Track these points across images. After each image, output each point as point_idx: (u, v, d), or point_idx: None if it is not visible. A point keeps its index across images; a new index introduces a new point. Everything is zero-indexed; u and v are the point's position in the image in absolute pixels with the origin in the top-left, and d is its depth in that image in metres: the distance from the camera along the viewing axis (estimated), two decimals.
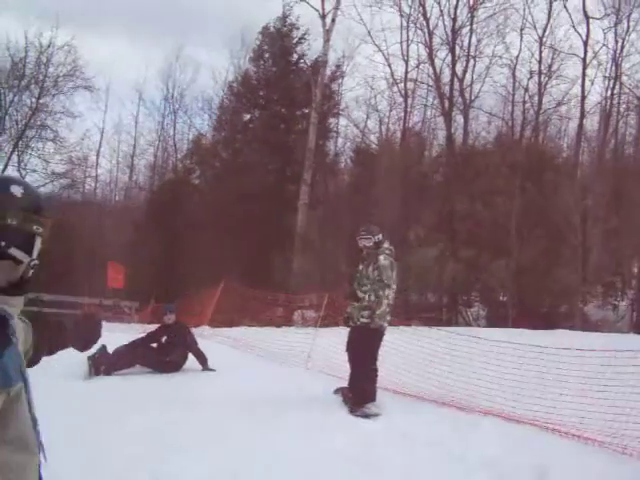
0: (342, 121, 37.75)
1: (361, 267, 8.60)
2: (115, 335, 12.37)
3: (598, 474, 6.08)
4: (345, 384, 8.81)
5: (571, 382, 8.07)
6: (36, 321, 2.48)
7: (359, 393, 8.32)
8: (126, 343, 11.06)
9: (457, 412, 8.24)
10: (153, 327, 12.58)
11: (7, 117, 33.05)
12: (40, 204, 2.19)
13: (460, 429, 7.41)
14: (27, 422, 2.08)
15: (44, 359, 2.52)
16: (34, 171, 34.19)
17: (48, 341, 2.62)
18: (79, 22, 61.79)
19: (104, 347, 10.47)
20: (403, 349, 10.44)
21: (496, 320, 22.87)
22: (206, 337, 14.31)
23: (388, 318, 8.44)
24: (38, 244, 2.18)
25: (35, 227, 2.15)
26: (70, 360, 10.39)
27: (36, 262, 2.18)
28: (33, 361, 2.43)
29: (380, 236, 8.61)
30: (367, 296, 8.33)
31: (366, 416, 7.99)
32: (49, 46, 33.51)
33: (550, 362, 8.53)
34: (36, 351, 2.45)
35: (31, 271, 2.18)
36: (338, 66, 35.02)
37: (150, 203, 38.63)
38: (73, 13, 52.69)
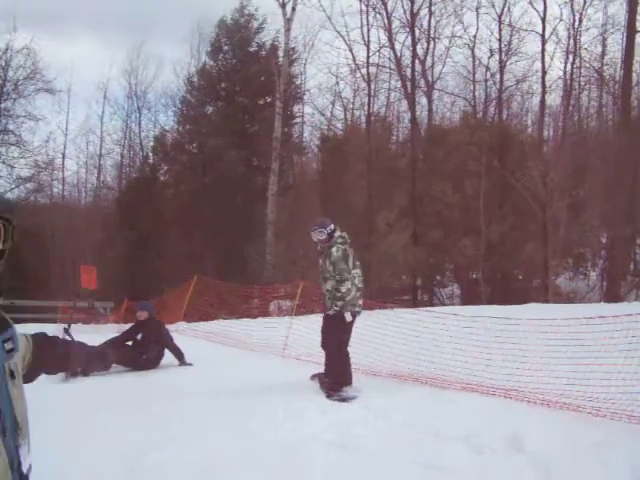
0: (307, 109, 37.80)
1: (320, 261, 8.71)
2: (91, 336, 12.36)
3: (573, 437, 6.23)
4: (321, 370, 8.89)
5: (542, 352, 8.23)
6: (41, 340, 2.51)
7: (335, 377, 8.41)
8: (101, 343, 11.06)
9: (433, 390, 8.37)
10: (128, 326, 12.57)
11: None
12: None
13: (436, 406, 7.52)
14: None
15: None
16: None
17: (51, 362, 2.65)
18: (38, 24, 61.16)
19: None
20: (377, 332, 10.55)
21: (470, 298, 23.13)
22: (182, 332, 14.36)
23: (359, 302, 8.52)
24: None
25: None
26: None
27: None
28: (28, 378, 2.44)
29: (332, 227, 8.62)
30: (333, 289, 8.42)
31: (343, 400, 8.07)
32: (7, 49, 33.19)
33: (520, 333, 8.71)
34: (33, 368, 2.48)
35: None
36: (293, 47, 34.89)
37: (119, 202, 38.41)
38: (31, 15, 52.06)
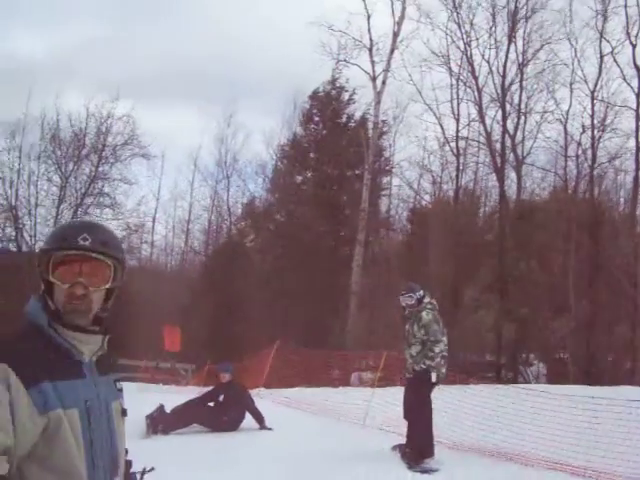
0: (395, 181, 37.91)
1: (407, 326, 8.67)
2: (172, 396, 12.45)
3: None
4: (403, 441, 8.69)
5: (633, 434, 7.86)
6: None
7: (417, 448, 8.21)
8: (183, 402, 11.10)
9: (518, 467, 8.06)
10: (208, 389, 12.58)
11: (67, 185, 33.92)
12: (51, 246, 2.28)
13: None
14: (73, 452, 2.11)
15: None
16: None
17: None
18: (138, 92, 63.79)
19: (162, 406, 10.54)
20: (461, 406, 10.29)
21: (556, 378, 22.38)
22: (262, 397, 14.28)
23: (443, 370, 8.35)
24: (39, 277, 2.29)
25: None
26: (127, 419, 10.48)
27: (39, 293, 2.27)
28: None
29: (421, 292, 8.65)
30: (418, 354, 8.30)
31: (425, 471, 7.88)
32: (109, 117, 34.61)
33: (612, 414, 8.34)
34: None
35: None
36: (384, 120, 35.21)
37: (205, 267, 39.02)
38: (132, 84, 54.37)
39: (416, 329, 8.38)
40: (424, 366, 8.20)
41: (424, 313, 8.39)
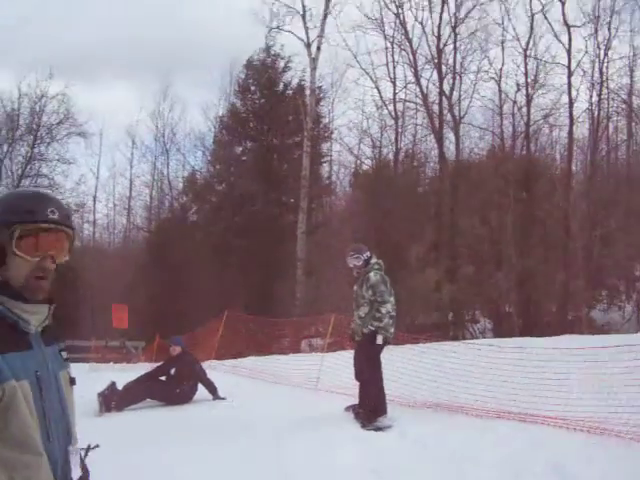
0: (335, 147, 37.97)
1: (355, 287, 8.75)
2: (123, 374, 12.41)
3: (614, 463, 6.11)
4: (355, 401, 8.83)
5: (578, 379, 8.11)
6: None
7: (370, 407, 8.33)
8: (135, 378, 11.08)
9: (468, 418, 8.26)
10: (160, 364, 12.56)
11: (2, 167, 33.28)
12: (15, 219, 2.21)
13: (473, 434, 7.42)
14: (28, 423, 2.12)
15: None
16: None
17: None
18: (71, 70, 62.55)
19: (113, 383, 10.50)
20: (410, 365, 10.46)
21: (503, 332, 22.84)
22: (214, 368, 14.30)
23: (391, 330, 8.46)
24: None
25: None
26: (80, 397, 10.44)
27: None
28: None
29: (368, 253, 8.72)
30: (366, 315, 8.40)
31: (378, 429, 8.01)
32: (42, 96, 33.94)
33: (556, 362, 8.59)
34: None
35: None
36: (320, 87, 35.14)
37: (149, 243, 38.71)
38: (65, 62, 53.41)
39: (364, 290, 8.46)
40: (372, 328, 8.30)
41: (372, 274, 8.47)
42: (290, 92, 35.29)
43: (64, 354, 2.39)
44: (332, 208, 37.97)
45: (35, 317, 2.22)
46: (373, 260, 8.67)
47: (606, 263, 24.58)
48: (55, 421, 2.23)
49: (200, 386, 11.11)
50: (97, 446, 2.68)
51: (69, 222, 2.29)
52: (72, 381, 2.38)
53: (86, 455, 2.51)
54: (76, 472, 2.35)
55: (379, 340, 8.29)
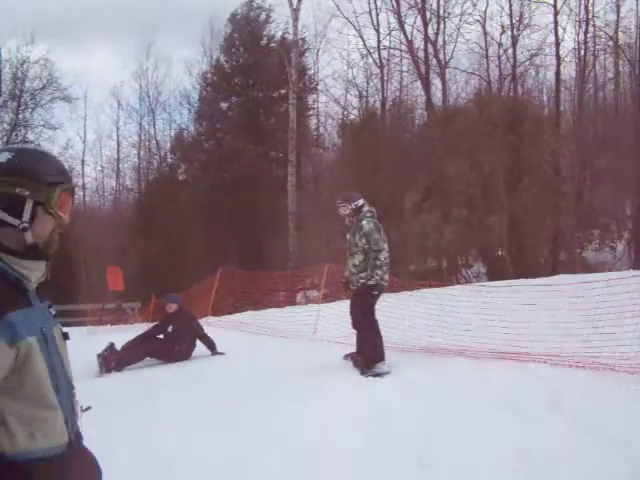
0: (322, 99, 37.69)
1: (348, 236, 8.72)
2: (121, 335, 12.45)
3: (610, 394, 6.19)
4: (353, 349, 8.89)
5: (571, 316, 8.18)
6: None
7: (368, 354, 8.39)
8: (133, 338, 11.13)
9: (466, 360, 8.34)
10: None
11: None
12: (33, 169, 2.23)
13: (471, 375, 7.50)
14: (43, 379, 2.15)
15: None
16: None
17: None
18: (53, 34, 61.65)
19: (112, 344, 10.54)
20: (407, 311, 10.53)
21: (496, 275, 22.92)
22: (211, 324, 14.37)
23: (386, 277, 8.47)
24: (29, 208, 2.22)
25: (18, 190, 2.19)
26: (78, 360, 10.50)
27: (26, 225, 2.22)
28: None
29: (360, 202, 8.65)
30: (360, 263, 8.41)
31: (377, 375, 8.07)
32: (24, 61, 33.53)
33: (549, 300, 8.65)
34: None
35: (28, 236, 2.22)
36: (303, 39, 34.84)
37: (139, 204, 38.57)
38: (46, 26, 52.59)
39: (357, 238, 8.44)
40: (372, 282, 8.28)
41: (364, 222, 8.43)
42: (274, 45, 34.93)
43: (52, 310, 2.41)
44: (321, 161, 37.82)
45: (33, 274, 2.25)
46: (365, 208, 8.63)
47: (597, 203, 24.64)
48: (62, 374, 2.28)
49: (198, 342, 11.16)
50: (89, 408, 2.71)
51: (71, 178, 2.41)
52: (65, 336, 2.42)
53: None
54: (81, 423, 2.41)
55: (375, 291, 8.33)
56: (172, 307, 11.30)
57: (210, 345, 11.13)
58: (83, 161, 43.18)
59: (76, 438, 2.37)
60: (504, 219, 23.26)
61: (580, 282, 8.85)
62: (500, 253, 25.27)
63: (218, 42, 37.66)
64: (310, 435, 5.98)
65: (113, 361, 10.34)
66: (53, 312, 2.40)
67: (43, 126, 34.60)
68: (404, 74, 33.96)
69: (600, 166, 25.05)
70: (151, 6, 55.62)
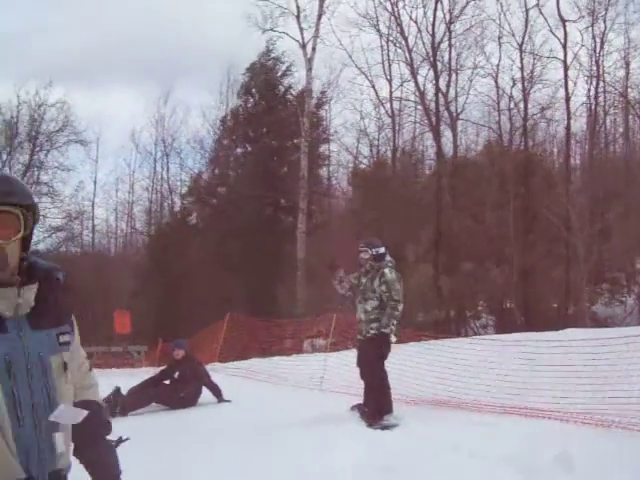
0: (333, 147, 37.95)
1: (364, 280, 8.60)
2: (127, 379, 12.39)
3: (625, 456, 6.11)
4: (360, 401, 8.82)
5: (581, 372, 8.11)
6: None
7: (375, 406, 8.32)
8: (139, 383, 11.08)
9: (474, 414, 8.25)
10: (163, 367, 12.54)
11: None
12: None
13: (479, 430, 7.42)
14: None
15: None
16: None
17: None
18: (71, 77, 62.62)
19: (118, 388, 10.49)
20: (413, 363, 10.46)
21: (504, 328, 22.80)
22: (217, 371, 14.30)
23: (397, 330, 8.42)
24: None
25: None
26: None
27: None
28: None
29: (382, 249, 8.63)
30: (373, 310, 8.36)
31: (385, 427, 7.99)
32: (42, 104, 33.99)
33: (559, 356, 8.60)
34: None
35: None
36: (323, 92, 35.29)
37: (149, 247, 38.70)
38: (65, 69, 53.45)
39: (377, 284, 8.37)
40: (387, 331, 8.25)
41: (387, 270, 8.38)
42: (290, 95, 35.29)
43: (63, 338, 2.35)
44: (331, 209, 37.96)
45: (3, 302, 2.22)
46: (387, 257, 8.62)
47: (606, 257, 24.58)
48: (32, 406, 2.20)
49: (205, 389, 11.11)
50: (128, 439, 2.68)
51: (9, 199, 2.25)
52: (65, 366, 2.34)
53: (116, 446, 2.52)
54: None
55: (393, 339, 8.28)
56: (180, 353, 11.25)
57: (216, 392, 11.08)
58: (94, 203, 43.47)
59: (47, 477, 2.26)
60: (513, 271, 23.20)
61: (592, 338, 8.78)
62: (509, 305, 25.19)
63: (235, 90, 38.20)
64: None
65: (118, 406, 10.28)
66: (62, 340, 2.33)
67: (57, 168, 34.92)
68: (416, 125, 34.26)
69: (610, 220, 25.06)
70: (170, 52, 56.35)
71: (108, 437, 2.58)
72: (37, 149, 34.24)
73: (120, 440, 2.55)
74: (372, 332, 8.31)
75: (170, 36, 56.86)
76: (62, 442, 2.30)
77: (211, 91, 66.65)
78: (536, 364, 8.79)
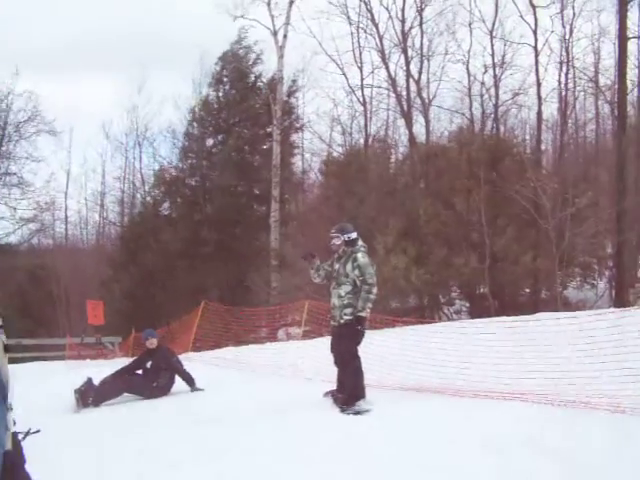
0: (307, 135, 37.89)
1: (337, 265, 8.61)
2: (100, 369, 12.35)
3: (594, 434, 6.17)
4: (333, 387, 8.83)
5: (553, 354, 8.19)
6: None
7: (348, 392, 8.33)
8: (111, 373, 11.02)
9: (445, 398, 8.32)
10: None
11: None
12: None
13: (450, 413, 7.46)
14: None
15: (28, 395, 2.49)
16: (1, 218, 34.10)
17: None
18: (39, 66, 61.90)
19: (90, 379, 10.43)
20: (387, 349, 10.51)
21: (478, 313, 22.94)
22: (191, 360, 14.26)
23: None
24: None
25: None
26: (56, 394, 10.40)
27: None
28: None
29: (354, 234, 8.64)
30: (346, 294, 8.36)
31: (358, 413, 8.00)
32: (9, 93, 33.60)
33: (530, 339, 8.67)
34: None
35: None
36: (294, 80, 35.16)
37: (122, 238, 38.48)
38: (33, 57, 52.84)
39: (349, 269, 8.38)
40: (348, 317, 8.29)
41: (360, 255, 8.40)
42: (261, 83, 35.11)
43: None
44: (304, 199, 37.96)
45: None
46: (360, 242, 8.64)
47: (578, 241, 24.72)
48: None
49: (178, 378, 11.07)
50: (38, 431, 2.63)
51: None
52: (5, 348, 2.35)
53: (24, 439, 2.44)
54: (8, 444, 2.28)
55: (366, 325, 8.32)
56: (153, 342, 11.21)
57: (189, 381, 11.04)
58: (66, 194, 43.13)
59: None
60: (485, 257, 23.31)
61: (560, 318, 8.86)
62: (481, 290, 25.32)
63: (207, 79, 37.99)
64: (290, 473, 5.92)
65: (91, 396, 10.24)
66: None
67: (27, 158, 34.54)
68: (388, 112, 34.31)
69: (581, 204, 25.24)
70: (142, 41, 55.97)
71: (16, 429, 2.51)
72: (6, 139, 33.85)
73: (29, 432, 2.50)
74: (346, 317, 8.31)
75: (144, 25, 56.54)
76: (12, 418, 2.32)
77: (185, 81, 66.56)
78: (508, 348, 8.84)
